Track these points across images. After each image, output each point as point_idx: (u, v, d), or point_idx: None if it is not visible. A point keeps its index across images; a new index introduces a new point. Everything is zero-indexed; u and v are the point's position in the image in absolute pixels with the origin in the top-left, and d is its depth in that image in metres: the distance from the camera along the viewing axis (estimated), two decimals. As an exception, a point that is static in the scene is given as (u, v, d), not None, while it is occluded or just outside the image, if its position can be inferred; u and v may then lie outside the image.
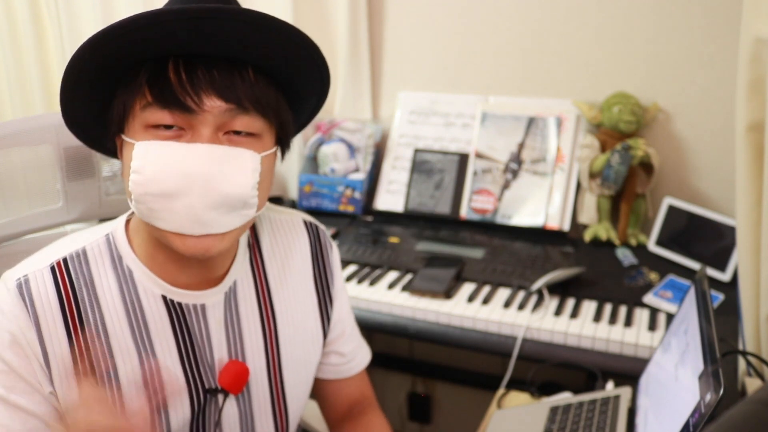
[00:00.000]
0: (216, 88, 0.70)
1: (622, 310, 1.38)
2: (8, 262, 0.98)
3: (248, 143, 0.74)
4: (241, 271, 0.86)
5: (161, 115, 0.70)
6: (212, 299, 0.82)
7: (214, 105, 0.70)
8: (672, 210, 1.59)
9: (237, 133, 0.73)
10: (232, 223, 0.73)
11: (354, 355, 1.02)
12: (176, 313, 0.80)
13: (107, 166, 1.05)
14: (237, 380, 0.83)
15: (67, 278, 0.77)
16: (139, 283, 0.79)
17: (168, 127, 0.71)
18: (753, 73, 1.03)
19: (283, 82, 0.78)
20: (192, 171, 0.69)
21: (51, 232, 1.04)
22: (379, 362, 1.13)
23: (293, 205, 1.96)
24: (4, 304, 0.73)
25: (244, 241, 0.87)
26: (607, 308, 1.40)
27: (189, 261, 0.79)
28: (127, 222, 0.82)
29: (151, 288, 0.79)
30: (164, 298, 0.80)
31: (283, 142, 0.82)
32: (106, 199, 1.06)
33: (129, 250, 0.79)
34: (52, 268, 0.76)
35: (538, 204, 1.71)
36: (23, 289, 0.73)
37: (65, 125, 0.78)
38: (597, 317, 1.35)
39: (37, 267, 0.76)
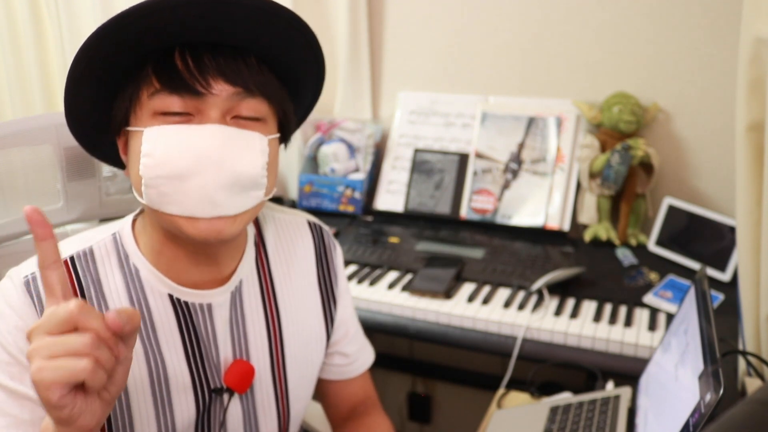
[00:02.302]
0: (223, 73, 0.72)
1: (622, 310, 1.39)
2: (8, 262, 0.98)
3: (255, 127, 0.75)
4: (247, 271, 0.86)
5: (170, 101, 0.71)
6: (219, 298, 0.82)
7: (221, 88, 0.72)
8: (672, 210, 1.59)
9: (243, 118, 0.74)
10: (242, 205, 0.74)
11: (358, 356, 1.02)
12: (183, 312, 0.80)
13: (107, 166, 1.05)
14: (243, 380, 0.84)
15: (74, 277, 0.77)
16: (145, 281, 0.79)
17: (176, 112, 0.72)
18: (753, 73, 1.03)
19: (283, 74, 0.79)
20: (203, 150, 0.70)
21: (51, 232, 1.04)
22: (380, 362, 1.13)
23: (293, 205, 1.96)
24: (12, 299, 0.73)
25: (251, 240, 0.88)
26: (607, 308, 1.40)
27: (197, 257, 0.79)
28: (134, 221, 0.82)
29: (158, 287, 0.79)
30: (171, 296, 0.80)
31: (285, 131, 0.83)
32: (106, 199, 1.06)
33: (135, 249, 0.80)
34: None
35: (538, 204, 1.71)
36: (30, 287, 0.73)
37: (66, 125, 0.78)
38: (597, 317, 1.35)
39: None
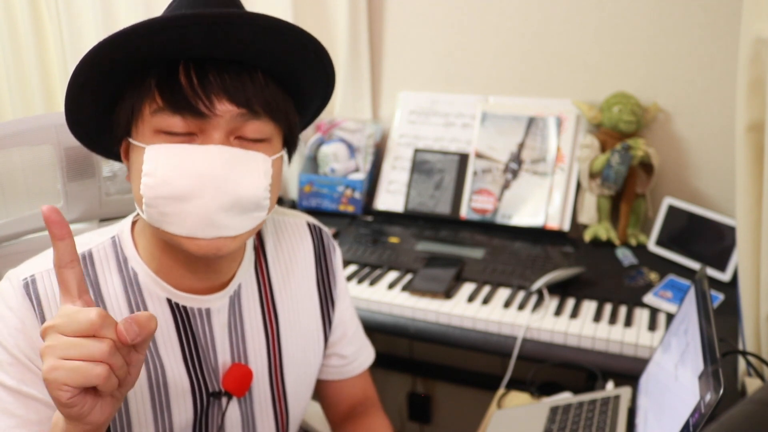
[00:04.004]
0: (227, 92, 0.70)
1: (622, 310, 1.38)
2: (8, 262, 0.99)
3: (259, 147, 0.74)
4: (246, 275, 0.86)
5: (173, 121, 0.70)
6: (217, 303, 0.82)
7: (225, 109, 0.70)
8: (672, 210, 1.59)
9: (248, 139, 0.73)
10: (243, 226, 0.73)
11: (356, 356, 1.02)
12: (181, 316, 0.80)
13: (107, 166, 1.05)
14: (241, 383, 0.84)
15: None
16: (144, 286, 0.79)
17: (179, 133, 0.71)
18: (753, 73, 1.03)
19: (290, 85, 0.78)
20: (205, 172, 0.69)
21: (51, 232, 1.04)
22: (379, 362, 1.13)
23: (293, 205, 1.96)
24: (12, 301, 0.73)
25: (250, 244, 0.87)
26: (607, 308, 1.40)
27: (196, 266, 0.79)
28: (133, 224, 0.82)
29: (156, 291, 0.79)
30: (169, 301, 0.79)
31: (290, 145, 0.82)
32: (106, 199, 1.06)
33: (134, 253, 0.79)
34: None
35: (538, 204, 1.71)
36: (30, 289, 0.73)
37: (66, 125, 0.78)
38: (597, 317, 1.35)
39: (43, 267, 0.75)
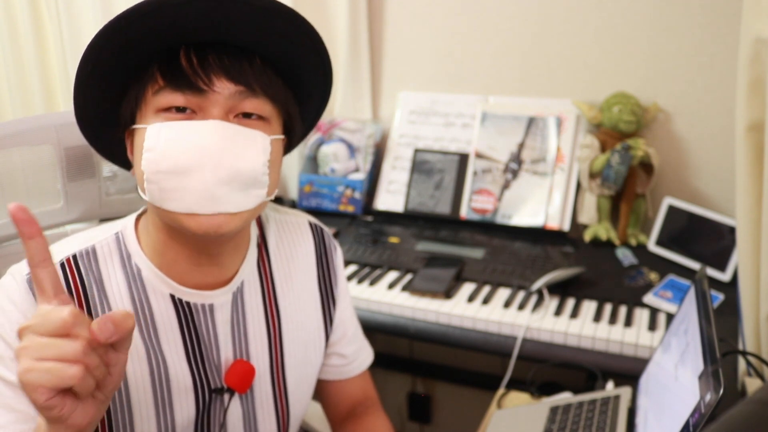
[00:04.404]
0: (226, 71, 0.72)
1: (622, 310, 1.38)
2: (8, 262, 0.98)
3: (258, 126, 0.75)
4: (249, 272, 0.86)
5: (173, 98, 0.72)
6: (220, 299, 0.82)
7: (224, 86, 0.72)
8: (672, 210, 1.59)
9: (247, 116, 0.75)
10: (243, 203, 0.73)
11: (356, 356, 1.02)
12: (184, 312, 0.80)
13: (107, 166, 1.05)
14: (243, 380, 0.84)
15: (77, 275, 0.77)
16: (147, 281, 0.79)
17: (179, 110, 0.72)
18: (753, 73, 1.03)
19: (290, 79, 0.80)
20: (204, 144, 0.70)
21: (51, 232, 1.04)
22: (379, 362, 1.13)
23: (293, 205, 1.96)
24: (15, 296, 0.73)
25: (253, 241, 0.88)
26: (607, 308, 1.40)
27: (199, 259, 0.79)
28: (137, 221, 0.82)
29: (160, 287, 0.79)
30: (172, 297, 0.80)
31: (290, 134, 0.83)
32: (106, 199, 1.06)
33: (138, 249, 0.80)
34: (62, 265, 0.77)
35: (538, 204, 1.71)
36: (33, 284, 0.73)
37: (67, 125, 0.78)
38: (597, 317, 1.35)
39: None
